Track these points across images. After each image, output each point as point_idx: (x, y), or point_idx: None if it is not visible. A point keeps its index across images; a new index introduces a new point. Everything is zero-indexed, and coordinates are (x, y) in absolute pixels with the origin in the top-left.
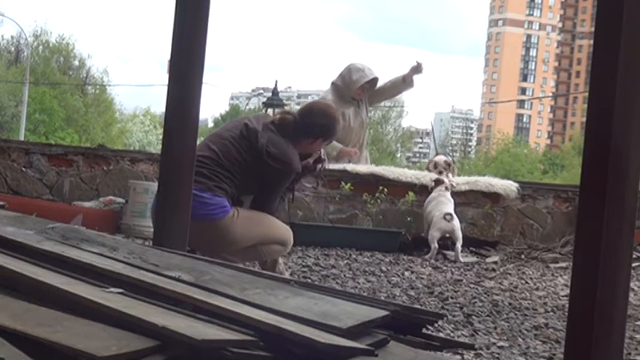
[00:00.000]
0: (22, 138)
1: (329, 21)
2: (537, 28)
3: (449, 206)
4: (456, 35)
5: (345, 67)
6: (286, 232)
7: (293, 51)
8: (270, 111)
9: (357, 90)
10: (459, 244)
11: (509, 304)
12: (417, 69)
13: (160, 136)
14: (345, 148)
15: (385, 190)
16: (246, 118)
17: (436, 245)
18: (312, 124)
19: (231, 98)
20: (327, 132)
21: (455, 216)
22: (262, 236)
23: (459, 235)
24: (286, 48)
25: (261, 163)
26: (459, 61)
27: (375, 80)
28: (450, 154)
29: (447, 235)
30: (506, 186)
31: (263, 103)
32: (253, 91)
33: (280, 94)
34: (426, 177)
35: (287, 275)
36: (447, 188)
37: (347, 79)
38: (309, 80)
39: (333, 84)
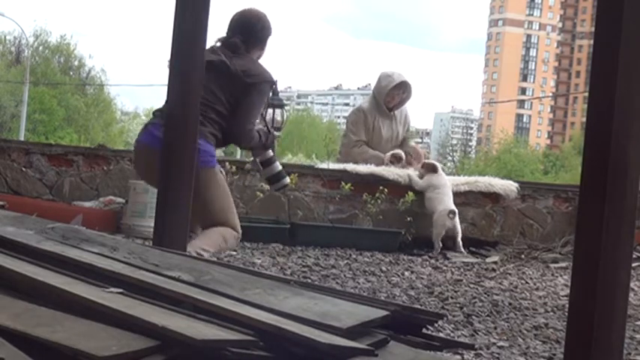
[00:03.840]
0: (22, 138)
1: (318, 19)
2: (537, 28)
3: (449, 199)
4: (447, 32)
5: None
6: (238, 225)
7: (292, 51)
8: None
9: (387, 97)
10: (459, 239)
11: (509, 304)
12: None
13: None
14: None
15: (385, 190)
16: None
17: (440, 243)
18: (256, 31)
19: None
20: (269, 30)
21: (456, 211)
22: (225, 208)
23: (459, 230)
24: (285, 48)
25: (242, 88)
26: (452, 58)
27: (404, 85)
28: (450, 153)
29: (449, 233)
30: (506, 186)
31: None
32: None
33: (280, 94)
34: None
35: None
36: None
37: (377, 86)
38: (308, 80)
39: (372, 94)
